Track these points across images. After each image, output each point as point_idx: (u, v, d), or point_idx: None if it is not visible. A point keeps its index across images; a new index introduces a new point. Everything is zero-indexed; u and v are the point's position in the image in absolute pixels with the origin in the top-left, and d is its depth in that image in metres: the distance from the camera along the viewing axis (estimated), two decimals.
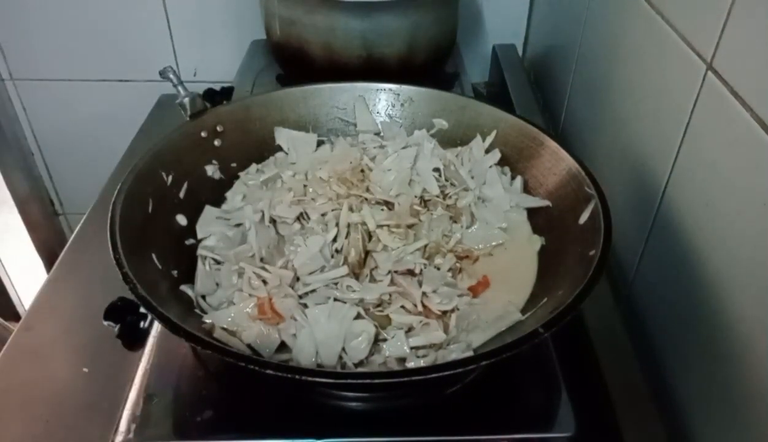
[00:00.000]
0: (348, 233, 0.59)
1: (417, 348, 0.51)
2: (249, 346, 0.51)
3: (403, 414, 0.51)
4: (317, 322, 0.51)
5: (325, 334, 0.50)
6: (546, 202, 0.63)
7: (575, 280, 0.48)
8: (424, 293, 0.54)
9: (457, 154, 0.69)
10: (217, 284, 0.56)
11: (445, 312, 0.54)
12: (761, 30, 0.46)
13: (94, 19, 1.15)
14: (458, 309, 0.54)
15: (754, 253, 0.47)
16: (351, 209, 0.61)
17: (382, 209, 0.62)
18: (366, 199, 0.63)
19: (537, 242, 0.61)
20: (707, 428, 0.54)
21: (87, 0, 1.12)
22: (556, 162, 0.62)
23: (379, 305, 0.54)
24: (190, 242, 0.60)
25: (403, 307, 0.54)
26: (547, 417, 0.52)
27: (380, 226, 0.60)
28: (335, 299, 0.53)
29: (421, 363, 0.49)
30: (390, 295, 0.55)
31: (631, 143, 0.70)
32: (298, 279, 0.55)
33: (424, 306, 0.54)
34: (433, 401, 0.52)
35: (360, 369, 0.50)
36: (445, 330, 0.52)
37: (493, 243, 0.62)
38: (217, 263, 0.58)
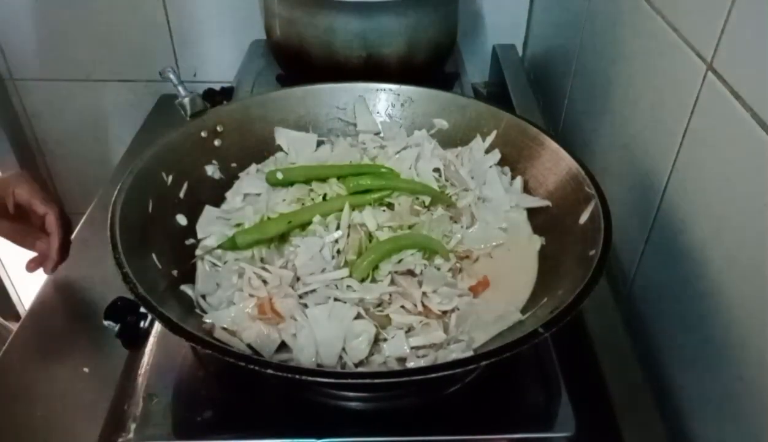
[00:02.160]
0: (348, 234, 0.59)
1: (417, 348, 0.51)
2: (249, 346, 0.51)
3: (403, 414, 0.51)
4: (317, 322, 0.50)
5: (325, 334, 0.50)
6: (546, 203, 0.63)
7: (575, 280, 0.48)
8: (424, 293, 0.54)
9: (457, 155, 0.69)
10: (218, 284, 0.56)
11: (445, 312, 0.54)
12: (761, 30, 0.46)
13: (94, 19, 1.15)
14: (458, 309, 0.54)
15: (753, 253, 0.47)
16: (352, 208, 0.61)
17: (384, 210, 0.62)
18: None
19: (537, 242, 0.61)
20: (707, 428, 0.54)
21: (87, 0, 1.12)
22: (556, 162, 0.62)
23: (379, 305, 0.54)
24: (190, 241, 0.60)
25: (403, 307, 0.54)
26: (547, 417, 0.52)
27: (381, 226, 0.60)
28: (335, 299, 0.53)
29: (421, 363, 0.49)
30: (390, 295, 0.54)
31: (631, 143, 0.70)
32: (298, 279, 0.55)
33: (424, 306, 0.54)
34: (433, 401, 0.52)
35: (360, 369, 0.50)
36: (445, 330, 0.52)
37: (493, 243, 0.62)
38: (216, 264, 0.58)
